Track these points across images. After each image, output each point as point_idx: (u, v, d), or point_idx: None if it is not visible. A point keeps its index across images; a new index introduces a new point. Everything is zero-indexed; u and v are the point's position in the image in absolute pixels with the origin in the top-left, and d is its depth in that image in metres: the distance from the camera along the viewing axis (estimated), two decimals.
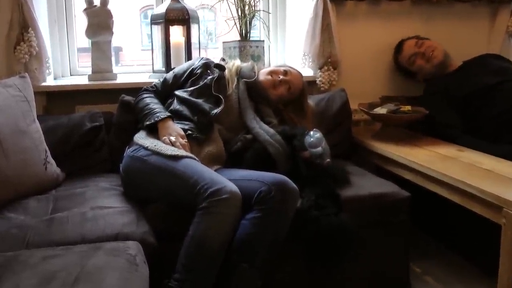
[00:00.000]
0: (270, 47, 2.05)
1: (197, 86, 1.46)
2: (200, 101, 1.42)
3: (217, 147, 1.36)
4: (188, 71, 1.51)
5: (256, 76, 1.52)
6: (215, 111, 1.40)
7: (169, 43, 1.75)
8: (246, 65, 1.58)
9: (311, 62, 1.86)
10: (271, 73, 1.53)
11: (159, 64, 1.84)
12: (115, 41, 1.87)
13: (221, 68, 1.52)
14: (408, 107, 1.70)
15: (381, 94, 1.92)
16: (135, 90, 1.56)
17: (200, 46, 1.83)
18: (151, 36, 1.85)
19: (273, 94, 1.52)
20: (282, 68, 1.55)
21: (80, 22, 1.81)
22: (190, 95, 1.45)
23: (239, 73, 1.55)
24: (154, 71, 1.83)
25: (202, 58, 1.56)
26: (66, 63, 1.87)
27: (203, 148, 1.35)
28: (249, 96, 1.50)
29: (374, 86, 2.00)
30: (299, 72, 1.61)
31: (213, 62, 1.55)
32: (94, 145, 1.53)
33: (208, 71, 1.50)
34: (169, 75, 1.54)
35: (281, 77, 1.52)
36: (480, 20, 2.06)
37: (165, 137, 1.31)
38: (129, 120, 1.53)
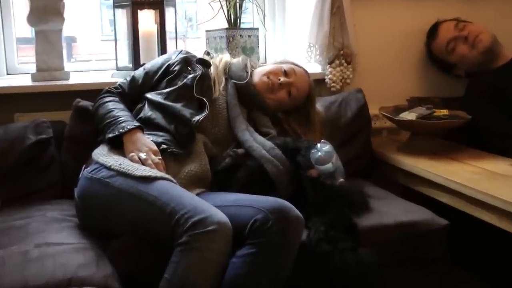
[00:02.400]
0: (267, 37, 2.12)
1: (174, 87, 1.51)
2: (178, 106, 1.47)
3: (200, 165, 1.41)
4: (163, 68, 1.57)
5: (248, 77, 1.58)
6: (197, 118, 1.45)
7: (138, 31, 1.81)
8: (237, 61, 1.64)
9: (318, 56, 1.94)
10: (269, 73, 1.59)
11: (125, 59, 1.89)
12: (67, 30, 1.94)
13: (205, 64, 1.57)
14: (444, 111, 1.76)
15: (409, 95, 1.99)
16: (94, 93, 1.61)
17: (177, 36, 1.89)
18: (114, 23, 1.92)
19: (271, 100, 1.58)
20: (283, 67, 1.61)
21: (20, 5, 1.87)
22: (165, 98, 1.49)
23: (228, 72, 1.61)
24: (118, 68, 1.89)
25: (181, 51, 1.62)
26: (1, 58, 1.91)
27: (182, 166, 1.40)
28: (241, 101, 1.56)
29: (400, 85, 2.07)
30: (305, 71, 1.67)
31: (194, 56, 1.60)
32: (40, 164, 1.57)
33: (189, 68, 1.55)
34: (139, 73, 1.59)
35: (282, 79, 1.58)
36: None
37: (133, 154, 1.35)
38: (86, 132, 1.58)
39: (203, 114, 1.46)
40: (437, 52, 1.97)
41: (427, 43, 2.02)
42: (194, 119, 1.44)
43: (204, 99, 1.49)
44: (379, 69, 2.06)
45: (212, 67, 1.59)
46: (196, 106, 1.49)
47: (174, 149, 1.41)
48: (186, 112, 1.46)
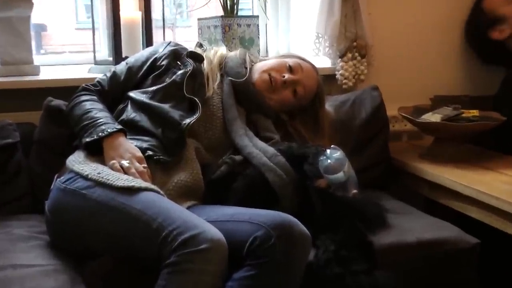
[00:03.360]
0: (268, 26, 2.14)
1: (162, 85, 1.52)
2: (166, 106, 1.49)
3: (191, 174, 1.42)
4: (149, 62, 1.58)
5: (247, 74, 1.60)
6: (188, 120, 1.46)
7: (119, 19, 1.83)
8: (234, 55, 1.65)
9: (328, 48, 1.96)
10: (271, 69, 1.61)
11: (104, 51, 1.93)
12: (36, 17, 1.94)
13: (197, 58, 1.59)
14: (474, 112, 1.78)
15: (433, 93, 2.01)
16: (69, 90, 1.62)
17: (165, 25, 1.91)
18: (91, 8, 1.94)
19: (273, 100, 1.60)
20: (287, 61, 1.63)
21: None
22: (151, 97, 1.51)
23: (224, 67, 1.62)
24: (96, 62, 1.91)
25: (169, 43, 1.64)
26: None
27: (170, 175, 1.41)
28: (238, 102, 1.57)
29: (422, 81, 2.09)
30: (312, 66, 1.69)
31: (185, 49, 1.62)
32: (6, 173, 1.58)
33: (178, 62, 1.57)
34: (121, 67, 1.61)
35: (286, 76, 1.60)
36: None
37: (114, 161, 1.36)
38: (59, 135, 1.59)
39: (195, 117, 1.47)
40: (490, 4, 1.97)
41: (473, 9, 2.01)
42: (184, 122, 1.46)
43: (195, 99, 1.51)
44: (398, 63, 2.08)
45: (205, 62, 1.61)
46: (187, 107, 1.51)
47: (161, 156, 1.42)
48: (175, 114, 1.47)
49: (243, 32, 1.93)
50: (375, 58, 2.02)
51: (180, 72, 1.54)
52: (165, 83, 1.53)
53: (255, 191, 1.41)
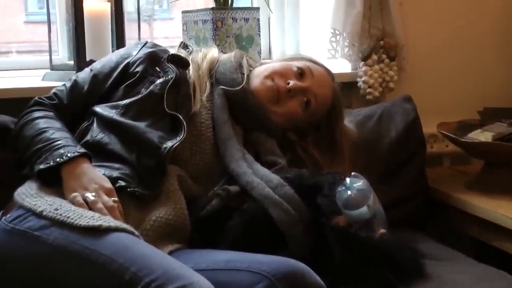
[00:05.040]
0: (272, 21, 2.18)
1: (136, 98, 1.54)
2: (142, 125, 1.50)
3: (174, 209, 1.43)
4: (120, 68, 1.61)
5: (244, 81, 1.62)
6: (170, 144, 1.48)
7: (82, 12, 1.85)
8: (228, 58, 1.68)
9: (347, 48, 1.99)
10: (274, 74, 1.64)
11: (63, 53, 1.96)
12: None
13: (181, 63, 1.61)
14: None
15: (482, 105, 2.03)
16: (17, 103, 1.65)
17: (140, 19, 1.95)
18: None
19: (277, 114, 1.62)
20: (294, 65, 1.66)
21: None
22: (123, 114, 1.53)
23: (215, 73, 1.65)
24: (53, 67, 1.94)
25: (145, 43, 1.67)
26: None
27: (148, 212, 1.43)
28: (233, 117, 1.60)
29: (468, 91, 2.13)
30: (327, 71, 1.71)
31: (166, 51, 1.65)
32: None
33: (157, 68, 1.59)
34: (83, 75, 1.63)
35: (292, 82, 1.62)
36: None
37: (75, 194, 1.37)
38: (4, 162, 1.60)
39: (178, 139, 1.49)
40: None
41: None
42: (164, 145, 1.47)
43: (179, 115, 1.53)
44: (438, 68, 2.12)
45: (191, 67, 1.63)
46: (168, 125, 1.52)
47: (136, 189, 1.44)
48: (153, 135, 1.49)
49: (239, 29, 1.96)
50: (408, 61, 2.05)
51: (159, 81, 1.56)
52: (140, 95, 1.55)
53: (256, 231, 1.42)
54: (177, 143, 1.49)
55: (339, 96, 1.71)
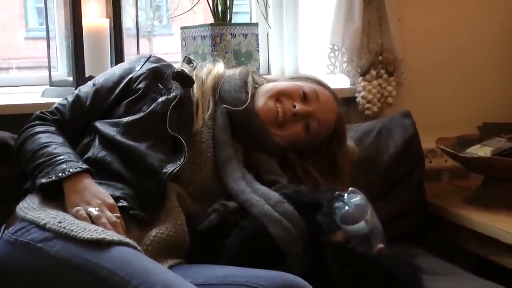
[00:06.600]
0: (270, 37, 2.20)
1: (137, 117, 1.55)
2: (142, 147, 1.50)
3: (174, 226, 1.44)
4: (123, 83, 1.61)
5: (248, 100, 1.63)
6: (170, 169, 1.48)
7: (81, 28, 1.88)
8: (233, 75, 1.69)
9: (346, 64, 2.01)
10: (280, 94, 1.64)
11: (63, 69, 1.98)
12: None
13: (185, 81, 1.62)
14: None
15: (482, 119, 2.04)
16: (16, 119, 1.66)
17: (139, 35, 1.97)
18: (45, 13, 1.97)
19: (280, 137, 1.63)
20: (302, 88, 1.65)
21: None
22: (123, 133, 1.53)
23: (219, 91, 1.65)
24: (52, 83, 1.96)
25: (149, 57, 1.67)
26: None
27: (148, 229, 1.44)
28: (235, 136, 1.60)
29: (467, 106, 2.14)
30: (333, 95, 1.72)
31: (170, 66, 1.66)
32: None
33: (159, 85, 1.60)
34: (86, 89, 1.64)
35: (298, 106, 1.63)
36: None
37: (78, 208, 1.38)
38: (4, 177, 1.62)
39: (179, 163, 1.50)
40: None
41: None
42: (165, 170, 1.48)
43: (180, 138, 1.53)
44: (436, 82, 2.14)
45: (195, 85, 1.64)
46: (169, 146, 1.53)
47: (137, 212, 1.45)
48: (154, 158, 1.50)
49: (238, 44, 1.98)
50: (407, 76, 2.07)
51: (161, 99, 1.57)
52: (141, 114, 1.55)
53: (255, 248, 1.42)
54: (177, 168, 1.49)
55: (343, 121, 1.72)
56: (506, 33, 2.18)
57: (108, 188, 1.46)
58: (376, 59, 2.04)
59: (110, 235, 1.31)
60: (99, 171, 1.49)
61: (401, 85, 2.08)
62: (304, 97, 1.65)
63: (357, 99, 2.06)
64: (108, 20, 1.93)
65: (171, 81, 1.61)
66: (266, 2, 2.12)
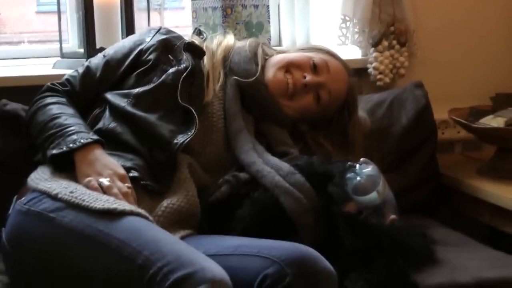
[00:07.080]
0: (282, 8, 2.18)
1: (147, 88, 1.56)
2: (153, 118, 1.52)
3: (186, 196, 1.46)
4: (133, 55, 1.62)
5: (259, 72, 1.63)
6: (181, 140, 1.49)
7: (92, 0, 1.88)
8: (242, 46, 1.68)
9: (357, 34, 2.00)
10: (290, 65, 1.64)
11: (74, 41, 1.98)
12: None
13: (196, 52, 1.61)
14: None
15: (495, 90, 2.04)
16: (28, 91, 1.67)
17: (149, 7, 1.98)
18: None
19: (291, 108, 1.63)
20: (312, 58, 1.65)
21: None
22: (134, 104, 1.54)
23: (229, 63, 1.65)
24: (63, 55, 1.96)
25: (159, 29, 1.67)
26: None
27: (160, 199, 1.45)
28: (245, 107, 1.61)
29: (480, 76, 2.13)
30: (344, 66, 1.71)
31: (180, 38, 1.65)
32: None
33: (170, 57, 1.60)
34: (96, 61, 1.64)
35: (308, 77, 1.63)
36: None
37: (90, 178, 1.40)
38: (15, 149, 1.64)
39: (190, 134, 1.50)
40: None
41: None
42: (176, 141, 1.49)
43: (191, 109, 1.53)
44: (449, 53, 2.12)
45: (206, 56, 1.63)
46: (180, 117, 1.54)
47: (148, 182, 1.46)
48: (164, 129, 1.50)
49: (249, 16, 1.98)
50: (419, 46, 2.05)
51: (171, 70, 1.57)
52: (152, 85, 1.56)
53: (266, 219, 1.43)
54: (188, 139, 1.50)
55: (354, 92, 1.72)
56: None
57: (119, 159, 1.47)
58: (388, 29, 2.03)
59: (122, 205, 1.32)
60: (109, 142, 1.50)
61: (413, 56, 2.07)
62: (314, 68, 1.65)
63: (368, 70, 2.05)
64: None
65: (182, 52, 1.61)
66: None
